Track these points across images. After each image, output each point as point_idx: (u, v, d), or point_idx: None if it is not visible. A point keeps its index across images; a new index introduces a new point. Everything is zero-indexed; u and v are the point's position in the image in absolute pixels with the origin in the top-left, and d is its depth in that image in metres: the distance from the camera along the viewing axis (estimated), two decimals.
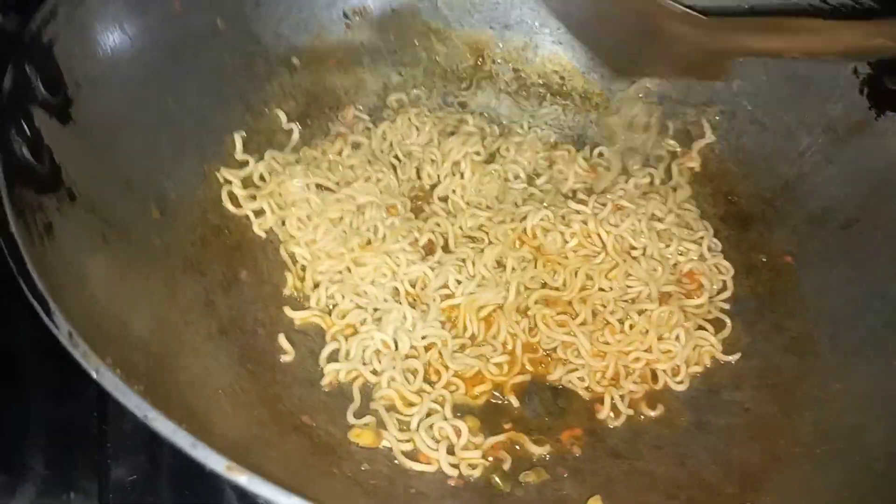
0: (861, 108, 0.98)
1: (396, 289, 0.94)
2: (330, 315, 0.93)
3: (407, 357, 0.90)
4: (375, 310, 0.92)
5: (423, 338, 0.91)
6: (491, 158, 1.11)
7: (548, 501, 0.80)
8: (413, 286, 0.95)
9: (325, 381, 0.87)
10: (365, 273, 0.94)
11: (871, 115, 0.98)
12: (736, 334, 0.96)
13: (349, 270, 0.95)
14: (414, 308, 0.93)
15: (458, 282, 0.95)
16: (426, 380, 0.89)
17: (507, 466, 0.83)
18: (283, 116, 1.07)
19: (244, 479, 0.46)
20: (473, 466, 0.83)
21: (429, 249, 0.99)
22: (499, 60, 1.21)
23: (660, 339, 0.93)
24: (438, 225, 1.02)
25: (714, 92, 1.13)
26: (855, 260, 0.94)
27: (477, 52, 1.20)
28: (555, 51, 1.20)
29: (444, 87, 1.19)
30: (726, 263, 1.02)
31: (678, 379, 0.92)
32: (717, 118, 1.13)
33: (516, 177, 1.10)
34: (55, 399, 0.94)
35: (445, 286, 0.95)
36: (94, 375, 0.50)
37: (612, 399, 0.89)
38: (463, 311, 0.93)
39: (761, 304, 0.99)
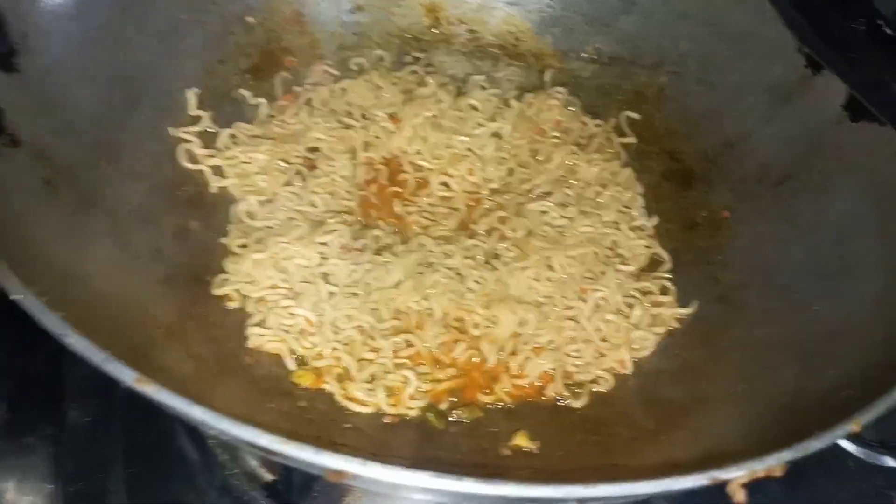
0: (799, 66, 1.01)
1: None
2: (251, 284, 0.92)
3: (340, 330, 0.90)
4: (290, 289, 0.92)
5: (349, 317, 0.91)
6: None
7: (479, 437, 0.84)
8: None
9: (250, 344, 0.87)
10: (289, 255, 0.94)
11: (808, 73, 1.01)
12: (675, 288, 1.00)
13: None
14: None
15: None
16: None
17: (443, 406, 0.87)
18: (247, 94, 1.09)
19: (152, 389, 0.49)
20: (410, 407, 0.86)
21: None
22: (454, 21, 1.23)
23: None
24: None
25: (663, 53, 1.16)
26: (785, 214, 0.97)
27: (433, 13, 1.23)
28: (509, 11, 1.23)
29: (399, 48, 1.22)
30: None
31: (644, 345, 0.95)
32: (665, 78, 1.16)
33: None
34: (16, 350, 0.98)
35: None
36: (14, 297, 0.53)
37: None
38: (381, 306, 0.93)
39: (698, 258, 1.03)
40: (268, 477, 0.91)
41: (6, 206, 0.68)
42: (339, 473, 0.48)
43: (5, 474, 0.92)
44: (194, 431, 0.92)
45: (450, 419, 0.86)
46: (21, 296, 0.53)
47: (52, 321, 0.53)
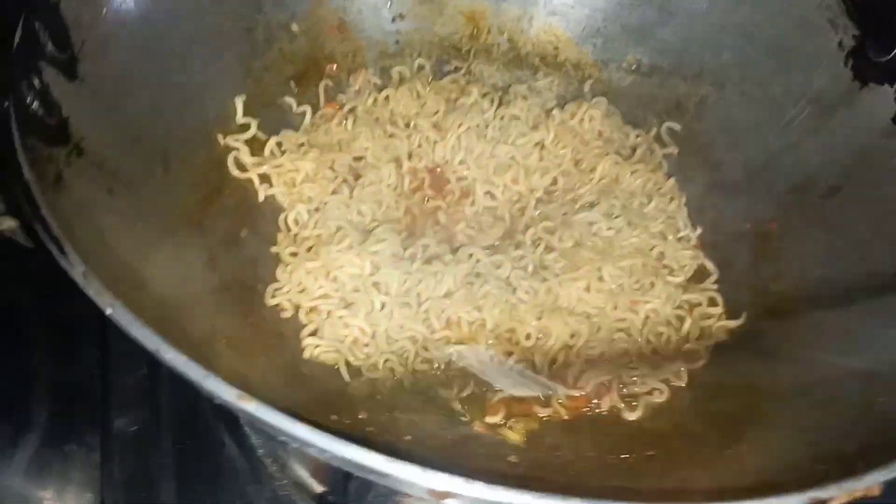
0: (845, 79, 1.01)
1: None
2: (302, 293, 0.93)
3: (394, 340, 0.91)
4: (342, 299, 0.93)
5: (402, 326, 0.91)
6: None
7: (536, 450, 0.84)
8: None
9: (305, 355, 0.88)
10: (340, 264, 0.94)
11: (854, 86, 1.01)
12: (723, 299, 1.00)
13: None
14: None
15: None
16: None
17: (498, 418, 0.87)
18: (292, 102, 1.09)
19: (253, 406, 0.49)
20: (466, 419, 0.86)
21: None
22: (494, 31, 1.23)
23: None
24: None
25: (704, 64, 1.16)
26: (836, 226, 0.97)
27: (473, 22, 1.22)
28: (549, 21, 1.22)
29: (440, 56, 1.21)
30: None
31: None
32: (706, 89, 1.16)
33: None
34: (59, 356, 0.98)
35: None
36: (108, 312, 0.52)
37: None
38: (432, 316, 0.93)
39: (746, 270, 1.03)
40: (318, 488, 0.90)
41: (83, 218, 0.68)
42: (444, 494, 0.48)
43: (44, 482, 0.91)
44: (243, 441, 0.92)
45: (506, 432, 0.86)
46: (113, 309, 0.53)
47: (147, 335, 0.52)
